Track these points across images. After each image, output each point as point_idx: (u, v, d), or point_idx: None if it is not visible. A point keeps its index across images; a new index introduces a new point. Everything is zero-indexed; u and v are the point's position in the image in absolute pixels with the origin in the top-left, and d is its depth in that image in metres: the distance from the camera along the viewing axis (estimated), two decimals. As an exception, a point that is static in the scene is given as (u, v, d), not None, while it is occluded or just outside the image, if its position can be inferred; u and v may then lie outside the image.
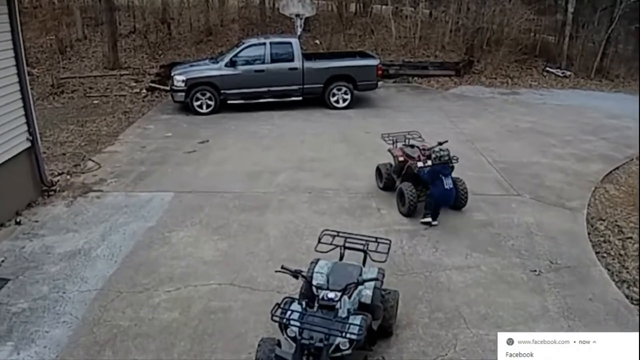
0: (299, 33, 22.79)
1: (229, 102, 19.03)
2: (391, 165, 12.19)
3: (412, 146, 11.95)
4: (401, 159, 11.70)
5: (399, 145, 12.17)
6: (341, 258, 7.62)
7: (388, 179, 12.12)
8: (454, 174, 10.88)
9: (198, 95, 18.76)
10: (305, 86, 19.33)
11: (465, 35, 27.29)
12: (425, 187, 11.01)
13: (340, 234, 7.81)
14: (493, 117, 18.91)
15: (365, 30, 28.69)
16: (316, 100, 19.58)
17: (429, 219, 10.68)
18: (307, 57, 19.88)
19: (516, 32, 26.47)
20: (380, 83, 20.39)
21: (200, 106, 18.83)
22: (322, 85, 19.43)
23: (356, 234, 7.92)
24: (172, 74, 19.14)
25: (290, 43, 19.41)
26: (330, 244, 7.69)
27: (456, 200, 11.15)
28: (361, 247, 7.68)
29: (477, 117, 18.83)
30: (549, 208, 11.60)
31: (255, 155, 14.70)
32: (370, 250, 7.62)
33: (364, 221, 10.83)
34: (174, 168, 13.75)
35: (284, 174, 13.30)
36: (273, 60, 19.07)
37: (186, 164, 14.01)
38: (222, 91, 18.83)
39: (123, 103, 20.26)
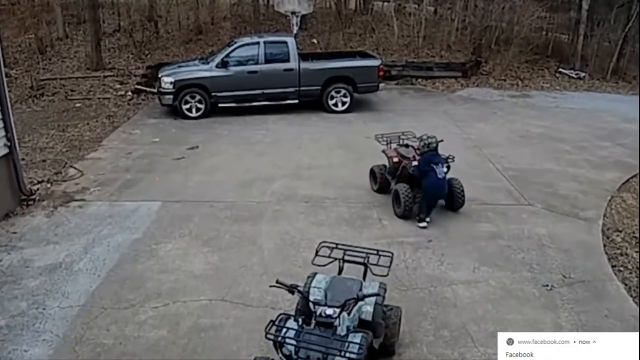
0: (295, 31, 22.87)
1: (220, 105, 19.11)
2: (385, 166, 12.61)
3: (407, 146, 12.29)
4: (395, 159, 12.06)
5: (393, 146, 12.56)
6: (340, 272, 7.62)
7: (382, 181, 12.53)
8: (452, 175, 10.97)
9: (187, 98, 18.81)
10: (302, 88, 19.40)
11: (472, 34, 27.36)
12: (420, 187, 11.26)
13: (339, 246, 7.81)
14: (502, 121, 18.99)
15: (365, 29, 28.80)
16: (313, 103, 19.66)
17: (424, 224, 11.08)
18: (303, 57, 19.96)
19: (527, 30, 26.56)
20: (381, 85, 20.47)
21: (190, 110, 18.89)
22: (319, 88, 19.50)
23: (356, 246, 7.92)
24: (160, 75, 19.21)
25: (285, 42, 19.48)
26: (329, 256, 7.69)
27: (452, 200, 11.66)
28: (361, 260, 7.69)
29: (485, 121, 18.91)
30: (562, 219, 11.65)
31: (248, 162, 14.74)
32: (371, 264, 7.63)
33: (364, 232, 10.87)
34: (162, 176, 13.79)
35: (279, 182, 13.34)
36: (267, 61, 19.14)
37: (174, 172, 14.05)
38: (212, 94, 18.90)
39: (107, 106, 20.28)
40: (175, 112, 19.02)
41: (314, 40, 27.49)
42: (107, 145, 16.15)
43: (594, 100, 22.55)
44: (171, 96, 18.80)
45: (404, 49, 27.21)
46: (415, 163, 11.34)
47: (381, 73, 20.05)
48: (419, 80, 24.63)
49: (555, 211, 11.97)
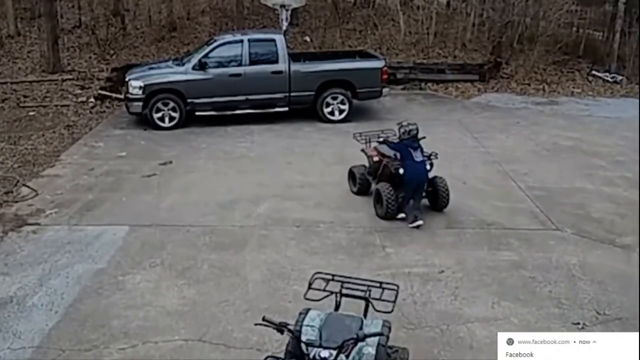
0: (284, 28, 22.92)
1: (197, 113, 19.20)
2: (365, 167, 13.61)
3: (387, 142, 13.02)
4: (376, 158, 13.04)
5: (373, 144, 13.53)
6: (337, 308, 7.64)
7: (362, 182, 13.58)
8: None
9: (159, 105, 18.89)
10: (293, 94, 19.51)
11: (491, 31, 27.45)
12: (402, 186, 12.38)
13: (336, 278, 7.82)
14: (526, 132, 19.11)
15: (366, 25, 28.91)
16: (306, 111, 19.77)
17: (420, 222, 12.12)
18: (294, 57, 20.11)
19: (554, 26, 26.70)
20: (385, 90, 20.54)
21: (162, 119, 18.97)
22: (313, 93, 19.59)
23: (356, 278, 7.92)
24: (127, 79, 19.30)
25: (273, 40, 19.62)
26: (324, 290, 7.71)
27: (437, 199, 12.84)
28: (362, 294, 7.70)
29: (507, 132, 19.03)
30: (595, 246, 11.72)
31: (230, 179, 14.82)
32: (373, 298, 7.64)
33: (365, 262, 10.91)
34: (129, 196, 13.84)
35: (266, 203, 13.40)
36: (252, 62, 19.28)
37: (144, 191, 14.11)
38: (188, 100, 18.99)
39: (66, 115, 20.34)
40: (145, 121, 19.08)
41: (307, 38, 27.62)
42: (65, 161, 16.21)
43: (632, 108, 22.46)
44: (140, 103, 18.87)
45: (411, 48, 27.34)
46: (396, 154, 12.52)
47: (385, 76, 20.16)
48: (429, 84, 24.77)
49: (588, 237, 12.04)
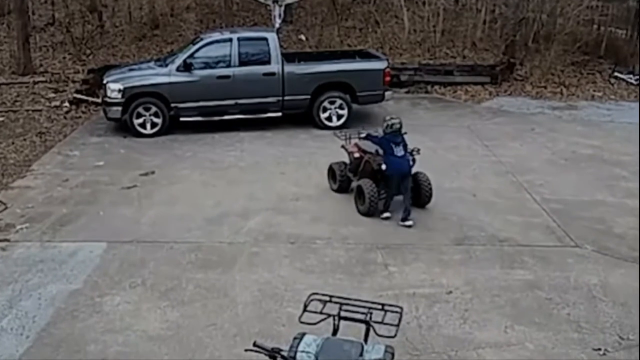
0: (277, 25, 22.97)
1: (182, 119, 19.21)
2: (345, 164, 14.47)
3: (368, 137, 13.92)
4: (357, 155, 13.93)
5: (354, 140, 14.43)
6: (335, 332, 7.66)
7: (343, 179, 14.48)
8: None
9: (140, 110, 18.90)
10: (287, 98, 19.54)
11: (504, 29, 27.53)
12: (384, 182, 13.34)
13: (334, 299, 7.83)
14: (542, 140, 19.14)
15: (367, 22, 28.97)
16: (301, 117, 19.82)
17: (410, 222, 12.94)
18: (288, 58, 20.18)
19: (573, 24, 26.73)
20: (388, 94, 20.56)
21: (143, 125, 18.99)
22: (309, 97, 19.62)
23: (355, 299, 7.94)
24: (105, 82, 19.28)
25: (265, 39, 19.66)
26: (321, 312, 7.72)
27: (419, 194, 13.65)
28: (362, 316, 7.71)
29: (521, 140, 19.07)
30: (618, 264, 11.74)
31: (218, 192, 14.86)
32: (375, 322, 7.65)
33: (366, 282, 10.94)
34: (108, 210, 13.88)
35: (257, 217, 13.44)
36: (242, 63, 19.33)
37: (124, 204, 14.14)
38: (172, 105, 19.00)
39: (38, 121, 20.40)
40: (124, 128, 19.13)
41: (302, 37, 27.68)
42: (37, 171, 16.24)
43: (658, 113, 22.65)
44: (119, 108, 18.86)
45: (416, 48, 27.39)
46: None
47: (387, 78, 20.21)
48: (436, 87, 24.82)
49: (610, 254, 12.07)
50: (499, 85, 24.95)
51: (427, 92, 24.56)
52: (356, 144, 14.21)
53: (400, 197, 13.27)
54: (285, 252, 11.95)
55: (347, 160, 14.46)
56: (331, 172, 14.87)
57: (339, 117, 19.76)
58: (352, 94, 19.83)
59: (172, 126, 19.12)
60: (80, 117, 21.01)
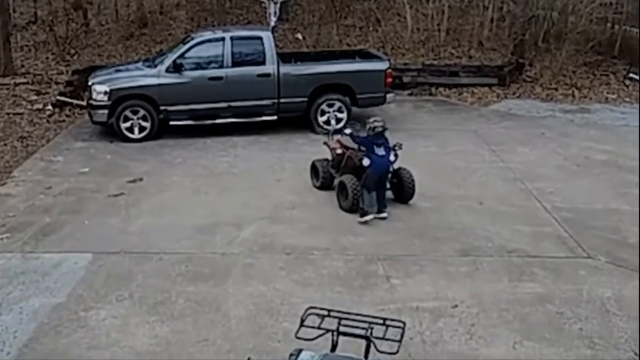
0: (272, 24, 23.01)
1: (171, 123, 19.20)
2: (328, 160, 15.23)
3: (351, 134, 14.41)
4: (339, 151, 14.68)
5: (336, 136, 15.25)
6: (334, 348, 7.67)
7: (325, 176, 15.13)
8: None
9: (127, 113, 18.89)
10: (282, 100, 19.54)
11: (512, 27, 27.56)
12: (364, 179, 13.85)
13: (333, 314, 7.84)
14: (553, 145, 19.16)
15: (368, 20, 29.00)
16: (298, 120, 19.84)
17: (385, 214, 13.69)
18: (284, 58, 20.20)
19: (586, 22, 26.72)
20: (389, 96, 20.55)
21: (131, 129, 18.99)
22: (306, 100, 19.63)
23: (355, 314, 7.95)
24: (90, 83, 19.29)
25: (260, 38, 19.67)
26: (318, 327, 7.72)
27: (402, 190, 14.44)
28: (362, 332, 7.72)
29: (530, 145, 19.08)
30: (633, 276, 11.72)
31: (209, 200, 14.88)
32: (376, 337, 7.66)
33: (366, 295, 10.95)
34: (93, 219, 13.88)
35: (252, 227, 13.44)
36: (235, 64, 19.34)
37: (110, 214, 14.14)
38: (161, 108, 18.99)
39: (19, 125, 20.39)
40: (111, 132, 19.12)
41: (299, 36, 27.71)
42: (19, 178, 16.25)
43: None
44: (105, 111, 18.86)
45: (420, 48, 27.42)
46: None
47: (389, 80, 20.23)
48: (441, 89, 24.82)
49: (624, 266, 12.07)
50: (507, 87, 24.97)
51: (431, 94, 24.56)
52: (338, 141, 14.91)
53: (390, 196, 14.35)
54: (281, 264, 11.95)
55: (329, 157, 15.24)
56: (314, 169, 15.52)
57: (338, 120, 19.66)
58: (352, 96, 19.84)
59: (161, 130, 19.13)
60: (64, 120, 21.02)
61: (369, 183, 13.67)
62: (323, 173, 15.12)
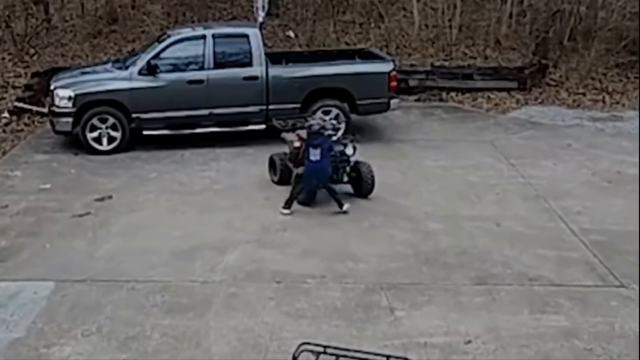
0: (260, 20, 22.99)
1: (145, 133, 19.25)
2: (286, 154, 16.47)
3: (311, 127, 15.36)
4: (297, 144, 15.91)
5: (297, 131, 16.45)
6: (331, 389, 7.72)
7: (284, 170, 16.38)
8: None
9: (95, 121, 18.92)
10: (272, 107, 19.62)
11: (534, 24, 27.62)
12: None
13: (329, 350, 7.88)
14: (581, 158, 19.18)
15: (369, 16, 29.05)
16: (289, 130, 19.71)
17: (287, 211, 14.97)
18: (274, 59, 20.29)
19: (618, 17, 26.69)
20: (394, 102, 20.58)
21: (99, 140, 19.02)
22: (298, 106, 19.69)
23: (355, 350, 8.00)
24: (53, 87, 19.37)
25: (246, 36, 19.78)
26: (313, 365, 7.80)
27: (360, 186, 15.73)
28: (363, 370, 7.80)
29: (554, 158, 19.11)
30: (671, 307, 11.79)
31: (188, 220, 14.91)
32: (379, 377, 7.74)
33: (367, 329, 10.94)
34: (56, 242, 13.88)
35: (236, 251, 13.46)
36: (218, 65, 19.44)
37: (75, 236, 14.15)
38: (134, 115, 19.04)
39: (-30, 135, 20.42)
40: (76, 143, 19.16)
41: (290, 33, 27.77)
42: (-30, 195, 16.27)
43: None
44: (70, 119, 18.90)
45: (428, 47, 27.48)
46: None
47: (394, 83, 20.23)
48: (452, 94, 24.94)
49: (662, 296, 12.12)
50: (528, 92, 25.06)
51: (441, 99, 24.68)
52: (297, 134, 16.23)
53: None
54: (270, 294, 11.95)
55: (287, 151, 16.56)
56: (272, 163, 16.97)
57: (335, 129, 19.55)
58: (351, 102, 19.90)
59: (133, 141, 19.16)
60: (22, 130, 21.07)
61: (305, 186, 15.22)
62: (281, 167, 16.44)
